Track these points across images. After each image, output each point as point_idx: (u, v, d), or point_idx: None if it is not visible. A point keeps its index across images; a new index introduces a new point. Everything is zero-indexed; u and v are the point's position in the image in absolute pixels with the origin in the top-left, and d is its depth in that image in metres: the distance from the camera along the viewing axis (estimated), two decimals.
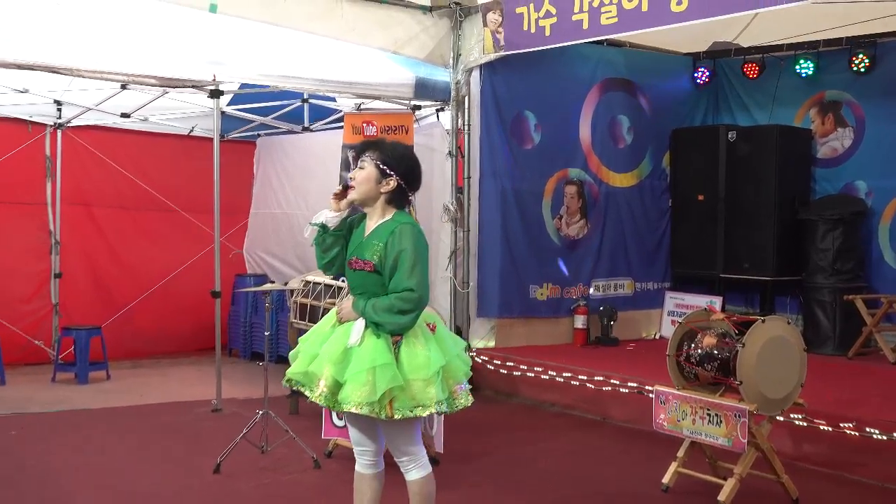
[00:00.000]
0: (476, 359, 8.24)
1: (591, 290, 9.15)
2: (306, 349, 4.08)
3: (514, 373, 7.92)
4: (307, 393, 4.00)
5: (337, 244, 4.12)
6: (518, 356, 8.02)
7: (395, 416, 3.85)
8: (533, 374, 7.79)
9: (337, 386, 3.90)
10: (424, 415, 3.89)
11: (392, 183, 3.99)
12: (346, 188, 4.07)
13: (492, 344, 8.49)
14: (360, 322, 3.94)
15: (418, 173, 4.14)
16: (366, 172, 4.00)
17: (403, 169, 4.04)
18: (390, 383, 3.83)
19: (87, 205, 9.82)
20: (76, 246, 9.72)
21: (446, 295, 8.44)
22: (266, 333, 6.13)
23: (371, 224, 4.06)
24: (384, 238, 3.94)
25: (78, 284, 9.70)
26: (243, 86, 8.41)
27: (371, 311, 3.90)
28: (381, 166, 3.99)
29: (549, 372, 7.67)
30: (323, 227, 4.10)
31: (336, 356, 3.93)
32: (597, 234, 9.21)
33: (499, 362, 8.09)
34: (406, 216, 4.05)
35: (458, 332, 8.38)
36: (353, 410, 3.83)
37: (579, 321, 8.88)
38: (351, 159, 4.17)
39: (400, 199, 4.05)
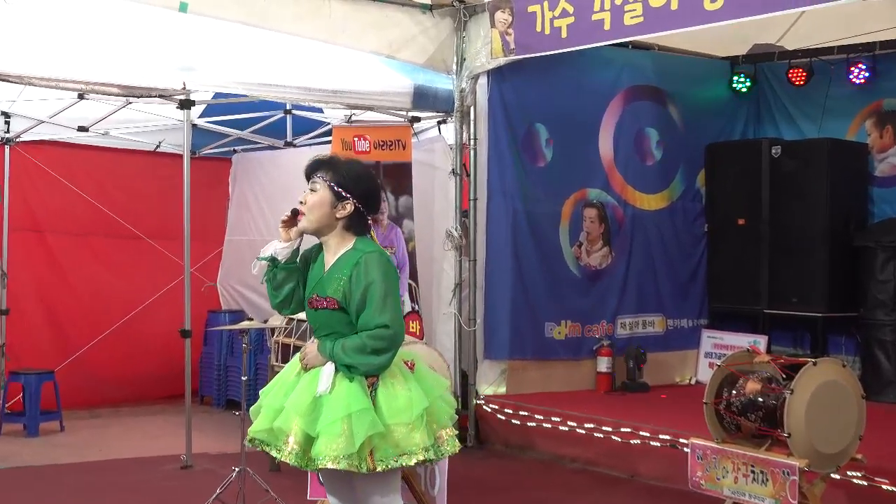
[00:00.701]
0: (485, 407, 8.21)
1: (617, 329, 9.12)
2: (269, 403, 4.10)
3: (529, 423, 7.89)
4: (274, 453, 4.01)
5: (290, 279, 4.16)
6: (533, 404, 7.99)
7: (378, 468, 3.87)
8: (550, 425, 7.75)
9: (308, 441, 3.92)
10: (411, 464, 3.92)
11: (349, 206, 4.04)
12: (295, 214, 4.10)
13: (502, 390, 8.46)
14: (329, 367, 3.97)
15: (377, 194, 4.21)
16: (318, 196, 4.04)
17: (361, 190, 4.08)
18: (369, 430, 3.85)
19: (38, 231, 9.84)
20: (26, 278, 9.72)
21: (450, 334, 8.44)
22: (243, 378, 6.12)
23: (330, 256, 4.10)
24: (347, 270, 3.97)
25: (27, 322, 9.69)
26: (217, 95, 8.45)
27: (341, 352, 3.93)
28: (335, 188, 4.04)
29: (569, 422, 7.63)
30: (272, 260, 4.13)
31: (304, 407, 3.95)
32: (622, 263, 9.20)
33: (510, 411, 8.05)
34: (369, 243, 4.09)
35: (464, 376, 8.39)
36: (330, 466, 3.83)
37: (603, 364, 8.86)
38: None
39: (359, 224, 4.09)
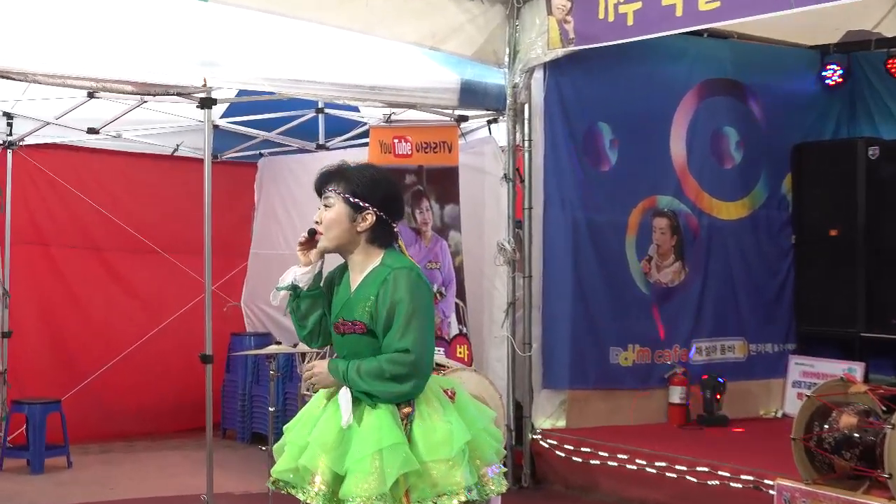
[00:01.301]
0: (542, 442, 8.19)
1: (692, 354, 9.06)
2: (293, 439, 4.12)
3: (592, 461, 7.85)
4: (300, 495, 4.02)
5: (316, 308, 4.18)
6: (596, 439, 7.96)
7: None
8: (616, 464, 7.71)
9: (337, 480, 3.92)
10: None
11: (370, 217, 4.07)
12: (313, 235, 4.14)
13: (562, 424, 8.43)
14: (346, 394, 3.99)
15: (399, 197, 4.24)
16: (333, 211, 4.08)
17: (380, 196, 4.10)
18: (403, 468, 3.85)
19: (43, 244, 9.96)
20: (29, 296, 9.83)
21: (502, 360, 8.43)
22: (270, 409, 6.16)
23: (356, 275, 4.12)
24: (375, 289, 4.00)
25: (31, 346, 9.79)
26: (241, 93, 8.50)
27: (356, 376, 3.95)
28: (351, 199, 4.07)
29: (638, 460, 7.59)
30: (293, 289, 4.17)
31: (331, 442, 3.96)
32: (697, 280, 9.14)
33: (571, 447, 8.02)
34: (399, 257, 4.11)
35: (518, 407, 8.37)
36: None
37: (676, 394, 8.80)
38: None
39: (384, 234, 4.12)
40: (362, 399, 3.96)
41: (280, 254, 10.63)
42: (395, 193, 4.19)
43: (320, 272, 4.19)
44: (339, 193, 4.07)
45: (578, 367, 8.51)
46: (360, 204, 4.05)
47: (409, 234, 8.25)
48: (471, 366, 8.06)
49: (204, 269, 7.83)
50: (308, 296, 4.16)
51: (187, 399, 9.68)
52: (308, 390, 4.15)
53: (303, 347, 7.79)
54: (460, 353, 8.23)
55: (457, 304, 8.37)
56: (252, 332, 10.70)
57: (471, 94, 8.38)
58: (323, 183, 4.14)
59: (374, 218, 4.06)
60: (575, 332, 8.49)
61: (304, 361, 7.82)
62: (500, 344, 8.46)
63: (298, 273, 4.15)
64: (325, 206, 4.10)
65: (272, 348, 7.00)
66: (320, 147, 10.24)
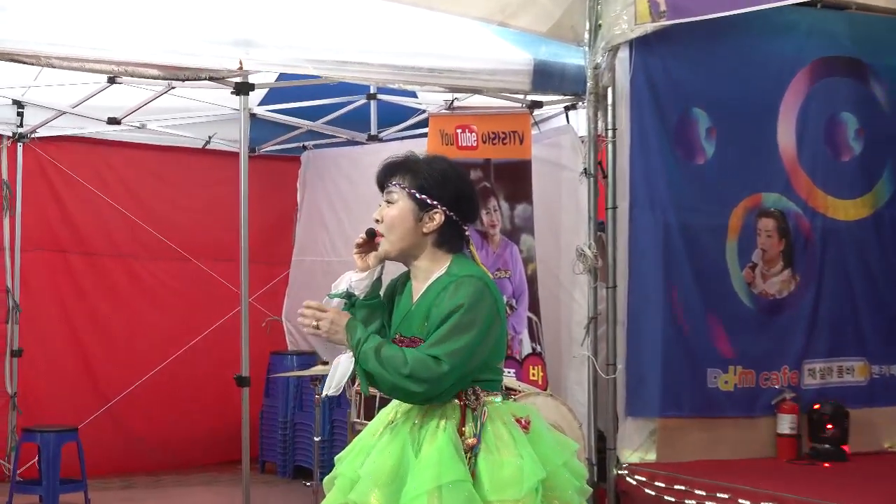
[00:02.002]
0: (628, 479, 8.11)
1: (803, 377, 8.93)
2: (345, 471, 4.14)
3: (687, 501, 7.73)
4: None
5: (373, 320, 4.18)
6: (692, 476, 7.85)
7: None
8: (715, 503, 7.65)
9: None
10: None
11: (438, 217, 4.07)
12: (372, 236, 4.15)
13: (652, 457, 8.34)
14: (345, 361, 4.02)
15: (472, 195, 4.24)
16: (397, 209, 4.09)
17: (451, 192, 4.11)
18: None
19: (58, 251, 10.08)
20: (43, 310, 9.95)
21: (582, 383, 8.36)
22: (316, 439, 6.17)
23: (419, 285, 4.13)
24: (438, 298, 4.00)
25: (45, 366, 9.92)
26: (282, 77, 8.55)
27: (371, 352, 3.93)
28: (418, 195, 4.07)
29: (741, 500, 7.47)
30: (348, 297, 4.18)
31: (384, 475, 3.97)
32: (810, 291, 9.00)
33: (662, 485, 7.92)
34: (468, 264, 4.11)
35: (601, 437, 8.30)
36: None
37: (785, 423, 8.67)
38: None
39: (453, 237, 4.13)
40: (360, 378, 3.97)
41: (326, 261, 10.72)
42: (468, 192, 4.20)
43: (379, 279, 4.20)
44: (403, 188, 4.08)
45: (671, 391, 8.40)
46: (428, 201, 4.06)
47: (475, 237, 8.08)
48: (546, 390, 8.03)
49: (240, 278, 7.89)
50: (365, 305, 4.16)
51: (221, 427, 9.76)
52: (308, 333, 4.13)
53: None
54: (534, 375, 8.19)
55: (529, 319, 8.35)
56: (295, 350, 10.75)
57: (545, 77, 8.33)
58: (386, 175, 4.15)
59: (443, 218, 4.06)
60: (667, 352, 8.38)
61: (354, 384, 7.81)
62: (580, 365, 8.37)
63: (354, 279, 4.17)
64: (388, 201, 4.11)
65: (318, 369, 7.02)
66: (372, 138, 10.31)
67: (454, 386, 3.98)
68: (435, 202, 4.06)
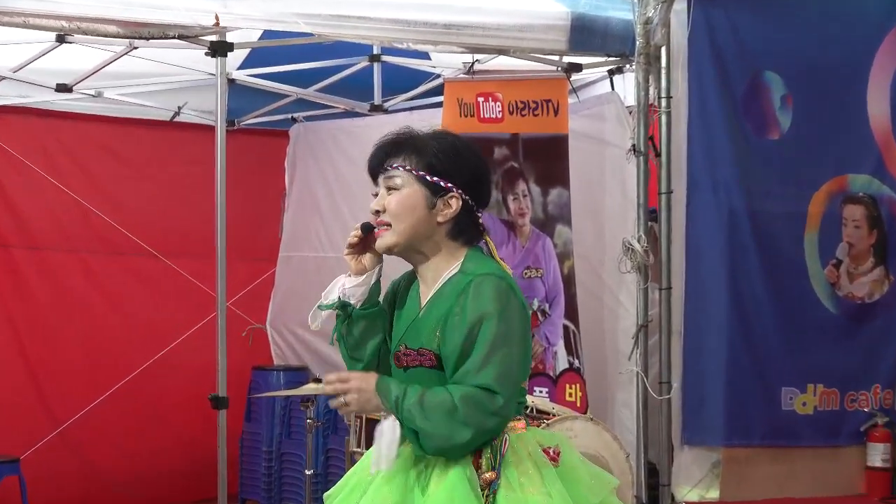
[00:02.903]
0: None
1: None
2: None
3: None
4: None
5: (374, 332, 4.19)
6: None
7: None
8: None
9: None
10: None
11: (454, 203, 4.07)
12: (369, 230, 4.14)
13: (714, 495, 8.35)
14: (392, 426, 3.97)
15: (488, 175, 4.24)
16: (403, 195, 4.08)
17: (467, 173, 4.13)
18: None
19: (2, 245, 10.04)
20: None
21: (630, 404, 8.35)
22: (307, 472, 6.14)
23: (428, 287, 4.13)
24: (451, 303, 3.99)
25: None
26: (266, 35, 8.58)
27: (415, 408, 3.90)
28: (429, 178, 4.05)
29: None
30: (343, 307, 4.17)
31: None
32: None
33: None
34: (485, 260, 4.12)
35: (652, 470, 8.29)
36: None
37: (877, 454, 8.65)
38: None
39: (469, 227, 4.14)
40: (410, 439, 3.94)
41: (321, 257, 10.74)
42: (484, 170, 4.20)
43: (378, 282, 4.19)
44: (409, 170, 4.05)
45: (737, 415, 8.40)
46: (442, 184, 4.04)
47: (500, 228, 8.24)
48: (585, 413, 8.00)
49: (216, 278, 7.87)
50: (362, 315, 4.16)
51: (193, 457, 9.74)
52: (340, 413, 4.16)
53: None
54: (571, 395, 8.18)
55: (566, 328, 8.34)
56: (282, 365, 10.74)
57: (585, 34, 8.26)
58: (384, 157, 4.12)
59: (461, 203, 4.05)
60: (732, 367, 8.37)
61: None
62: (627, 383, 8.36)
63: (348, 285, 4.17)
64: (390, 188, 4.08)
65: (309, 388, 6.98)
66: (376, 108, 10.31)
67: None
68: (450, 185, 4.06)
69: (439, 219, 4.05)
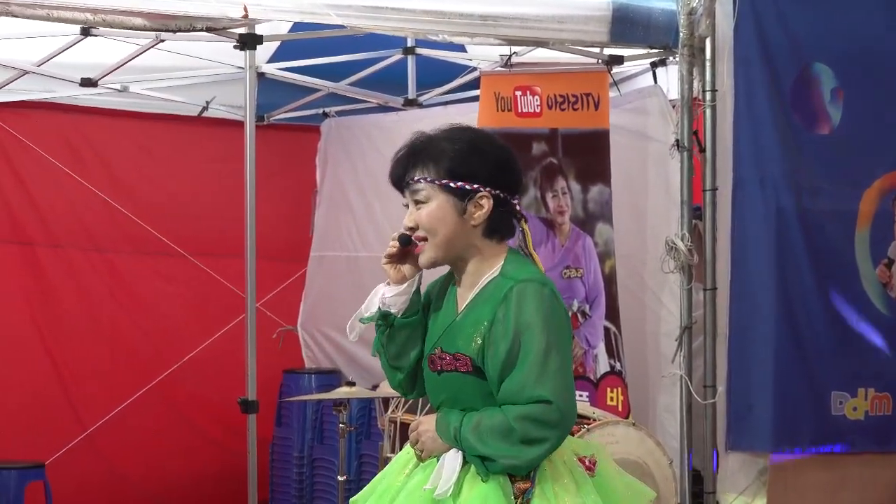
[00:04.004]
0: None
1: None
2: None
3: None
4: None
5: (416, 341, 4.26)
6: None
7: None
8: None
9: None
10: None
11: (485, 203, 4.11)
12: (407, 243, 4.18)
13: (761, 503, 8.35)
14: (453, 457, 4.04)
15: (513, 160, 4.26)
16: (433, 208, 4.13)
17: (490, 165, 4.16)
18: None
19: (23, 243, 10.10)
20: (2, 316, 9.97)
21: (673, 410, 8.37)
22: (340, 479, 6.18)
23: (466, 290, 4.18)
24: (491, 309, 4.04)
25: (4, 386, 9.91)
26: (297, 27, 8.59)
27: (471, 436, 3.99)
28: (451, 185, 4.10)
29: None
30: (384, 317, 4.22)
31: None
32: None
33: None
34: (524, 265, 4.17)
35: (696, 477, 8.30)
36: None
37: None
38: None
39: (504, 219, 4.19)
40: (475, 465, 4.00)
41: (352, 257, 10.80)
42: (505, 156, 4.23)
43: (418, 290, 4.26)
44: (430, 181, 4.11)
45: (785, 420, 8.33)
46: (467, 187, 4.09)
47: (539, 227, 8.28)
48: (627, 418, 8.05)
49: (245, 278, 7.96)
50: (405, 324, 4.22)
51: (222, 463, 9.80)
52: (423, 460, 4.16)
53: (386, 389, 7.82)
54: (612, 399, 8.24)
55: (606, 329, 8.38)
56: (313, 368, 10.80)
57: (627, 25, 8.25)
58: (403, 171, 4.18)
59: (491, 201, 4.10)
60: (779, 370, 8.30)
61: (387, 410, 7.85)
62: (671, 387, 8.38)
63: (388, 294, 4.21)
64: (417, 202, 4.14)
65: (342, 391, 7.03)
66: (410, 103, 10.33)
67: None
68: (476, 185, 4.09)
69: (473, 222, 4.09)
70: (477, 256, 4.15)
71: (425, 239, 4.12)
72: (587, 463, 4.12)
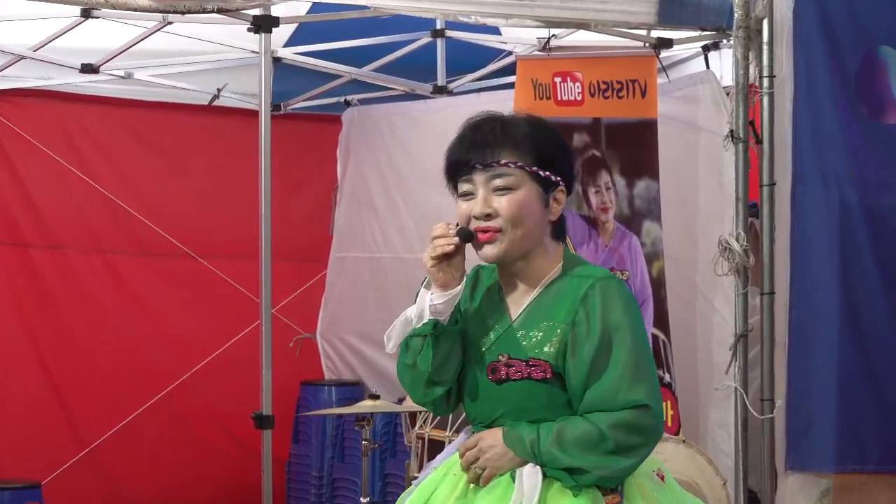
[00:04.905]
0: None
1: None
2: None
3: None
4: None
5: (457, 351, 4.19)
6: None
7: None
8: None
9: None
10: None
11: (561, 198, 4.16)
12: (469, 237, 4.07)
13: None
14: (532, 472, 3.99)
15: (574, 162, 4.37)
16: (521, 196, 4.08)
17: (568, 159, 4.25)
18: None
19: (19, 244, 10.10)
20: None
21: (727, 425, 8.33)
22: (363, 501, 6.11)
23: (520, 291, 4.17)
24: (566, 311, 4.02)
25: (2, 400, 9.91)
26: (315, 8, 8.60)
27: (555, 447, 3.97)
28: (541, 173, 4.08)
29: None
30: (433, 327, 4.12)
31: None
32: None
33: None
34: (587, 263, 4.24)
35: (752, 498, 8.23)
36: None
37: None
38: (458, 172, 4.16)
39: (561, 221, 4.21)
40: (560, 479, 3.98)
41: (376, 258, 10.80)
42: (572, 152, 4.30)
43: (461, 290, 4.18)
44: (520, 166, 4.05)
45: (850, 436, 8.24)
46: (552, 178, 4.09)
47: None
48: (677, 434, 8.04)
49: (260, 281, 7.90)
50: (452, 332, 4.15)
51: (235, 483, 9.79)
52: (481, 485, 4.06)
53: (411, 404, 7.74)
54: None
55: (655, 337, 8.30)
56: (334, 379, 10.80)
57: (677, 5, 8.17)
58: (482, 151, 4.07)
59: (565, 197, 4.13)
60: (844, 382, 8.21)
61: (414, 426, 7.78)
62: (724, 400, 8.33)
63: (437, 301, 4.12)
64: (501, 188, 4.04)
65: (365, 404, 6.98)
66: (439, 90, 10.29)
67: None
68: (558, 178, 4.11)
69: (551, 217, 4.11)
70: (541, 256, 4.14)
71: (498, 230, 4.04)
72: (658, 474, 4.17)
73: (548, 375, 3.99)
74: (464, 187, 4.09)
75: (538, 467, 3.97)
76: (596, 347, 3.93)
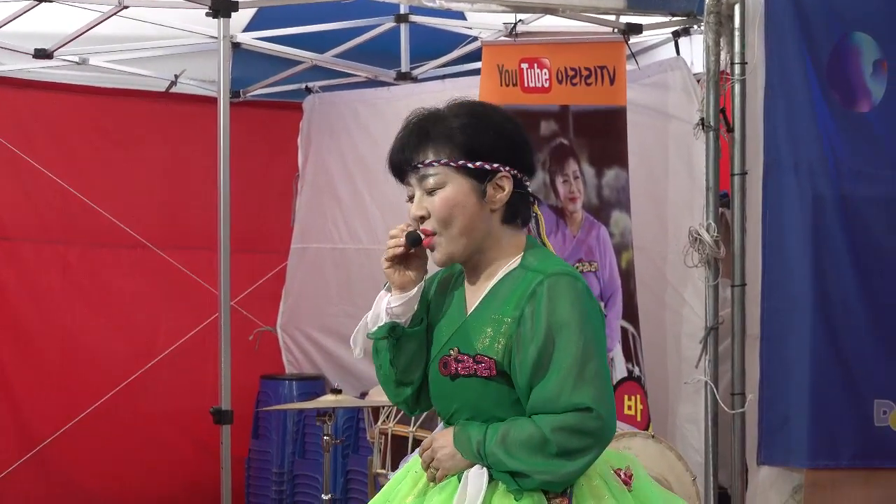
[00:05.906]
0: None
1: None
2: None
3: None
4: None
5: (423, 353, 4.20)
6: None
7: None
8: None
9: None
10: None
11: (505, 183, 4.07)
12: (418, 242, 4.09)
13: None
14: (478, 474, 4.01)
15: (526, 138, 4.22)
16: (448, 194, 4.05)
17: (507, 142, 4.12)
18: None
19: None
20: None
21: (697, 420, 8.40)
22: (325, 497, 6.15)
23: (477, 285, 4.14)
24: (515, 306, 4.00)
25: None
26: None
27: (499, 450, 3.96)
28: (469, 165, 4.04)
29: None
30: (391, 328, 4.15)
31: None
32: None
33: None
34: (549, 256, 4.15)
35: (723, 496, 8.34)
36: None
37: None
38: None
39: (521, 204, 4.15)
40: (504, 480, 3.98)
41: (339, 249, 10.82)
42: (520, 132, 4.19)
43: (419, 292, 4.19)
44: (445, 163, 4.04)
45: (823, 431, 8.30)
46: (487, 166, 4.04)
47: (548, 215, 8.22)
48: (647, 429, 8.08)
49: (218, 273, 7.96)
50: (414, 334, 4.17)
51: (193, 480, 9.82)
52: (437, 483, 4.09)
53: (376, 397, 7.81)
54: (629, 408, 8.24)
55: (624, 330, 8.37)
56: (295, 374, 10.81)
57: None
58: (408, 156, 4.10)
59: (512, 182, 4.06)
60: (817, 376, 8.26)
61: (377, 421, 7.85)
62: (694, 395, 8.43)
63: (394, 303, 4.14)
64: (430, 189, 4.06)
65: (327, 399, 7.00)
66: (403, 76, 10.35)
67: None
68: (496, 164, 4.04)
69: (492, 206, 4.04)
70: (495, 246, 4.09)
71: (433, 234, 4.04)
72: (623, 476, 4.12)
73: (493, 373, 3.98)
74: (408, 190, 4.11)
75: (485, 469, 3.97)
76: (539, 348, 3.90)
